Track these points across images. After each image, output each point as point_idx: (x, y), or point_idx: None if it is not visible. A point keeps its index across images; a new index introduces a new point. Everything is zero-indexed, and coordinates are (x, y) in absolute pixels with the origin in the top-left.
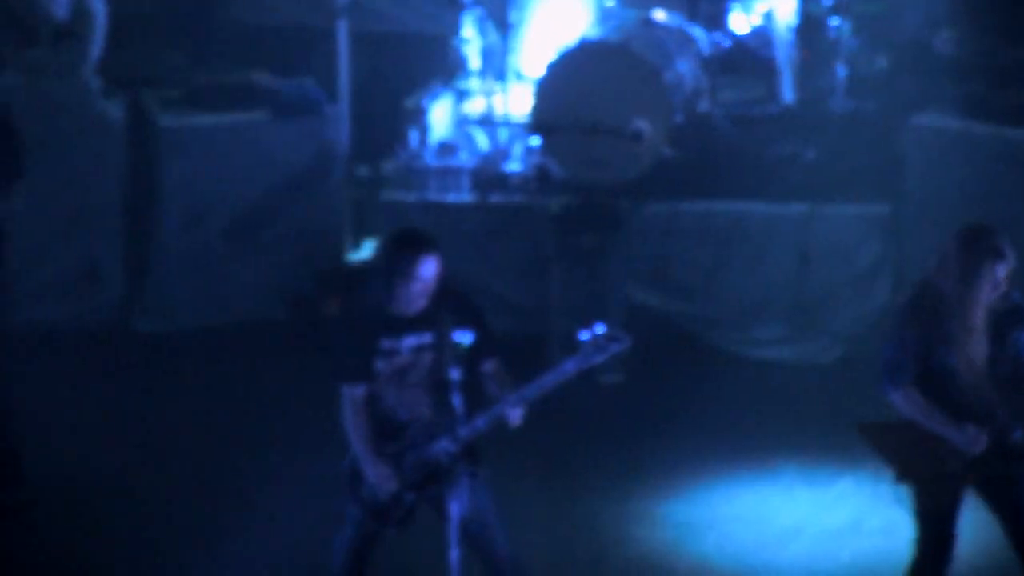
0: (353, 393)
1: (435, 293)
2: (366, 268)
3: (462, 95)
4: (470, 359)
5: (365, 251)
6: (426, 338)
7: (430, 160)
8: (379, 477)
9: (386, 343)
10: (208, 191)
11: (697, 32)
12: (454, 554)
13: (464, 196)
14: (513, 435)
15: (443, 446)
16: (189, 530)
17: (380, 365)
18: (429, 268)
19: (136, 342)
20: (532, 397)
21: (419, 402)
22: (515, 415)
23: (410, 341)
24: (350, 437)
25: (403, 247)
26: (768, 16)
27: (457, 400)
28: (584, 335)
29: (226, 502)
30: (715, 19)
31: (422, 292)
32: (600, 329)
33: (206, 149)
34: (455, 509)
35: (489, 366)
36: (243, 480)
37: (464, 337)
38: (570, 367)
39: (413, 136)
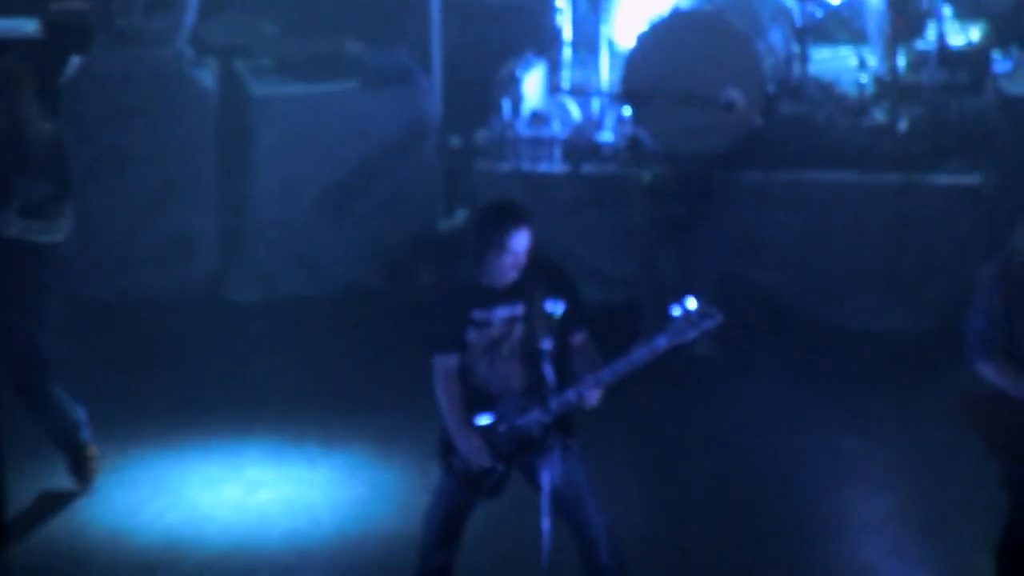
0: (445, 363)
1: (527, 264)
2: (459, 238)
3: (555, 65)
4: (561, 330)
5: (457, 220)
6: (518, 309)
7: (522, 130)
8: (470, 448)
9: (478, 314)
10: (301, 161)
11: (790, 2)
12: (546, 524)
13: (556, 166)
14: (606, 407)
15: (535, 417)
16: (297, 502)
17: (472, 336)
18: (521, 240)
19: (230, 312)
20: (615, 378)
21: (511, 373)
22: (591, 397)
23: (502, 312)
24: (442, 407)
25: (495, 219)
26: None
27: (549, 371)
28: (676, 311)
29: (320, 471)
30: None
31: (514, 264)
32: (692, 305)
33: (298, 118)
34: (547, 479)
35: (578, 339)
36: (336, 449)
37: (556, 308)
38: (661, 343)
39: (505, 106)
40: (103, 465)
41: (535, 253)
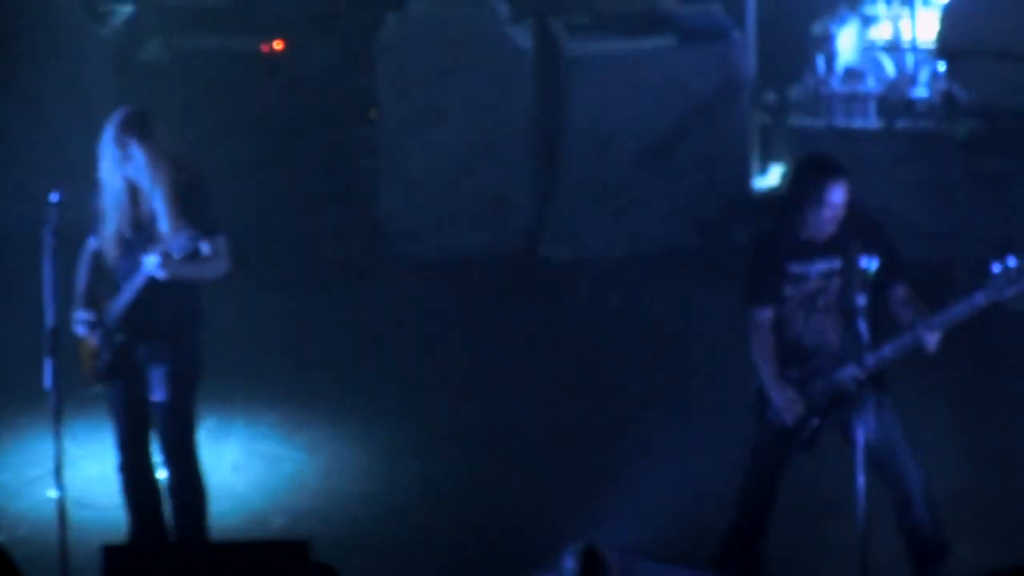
0: (761, 316)
1: (844, 219)
2: (774, 194)
3: (869, 20)
4: (876, 285)
5: (771, 177)
6: (835, 263)
7: (836, 86)
8: (785, 401)
9: (795, 268)
10: (615, 118)
11: None
12: (860, 479)
13: (870, 122)
14: (919, 363)
15: (850, 373)
16: (599, 452)
17: (789, 290)
18: (839, 194)
19: (544, 269)
20: (945, 324)
21: (826, 328)
22: (931, 340)
23: (819, 266)
24: (756, 361)
25: (814, 173)
26: None
27: (863, 327)
28: (996, 267)
29: (637, 425)
30: None
31: (832, 218)
32: (1012, 261)
33: (613, 75)
34: (861, 435)
35: (899, 292)
36: (651, 403)
37: (870, 263)
38: (980, 299)
39: (819, 62)
40: (419, 418)
41: (852, 208)
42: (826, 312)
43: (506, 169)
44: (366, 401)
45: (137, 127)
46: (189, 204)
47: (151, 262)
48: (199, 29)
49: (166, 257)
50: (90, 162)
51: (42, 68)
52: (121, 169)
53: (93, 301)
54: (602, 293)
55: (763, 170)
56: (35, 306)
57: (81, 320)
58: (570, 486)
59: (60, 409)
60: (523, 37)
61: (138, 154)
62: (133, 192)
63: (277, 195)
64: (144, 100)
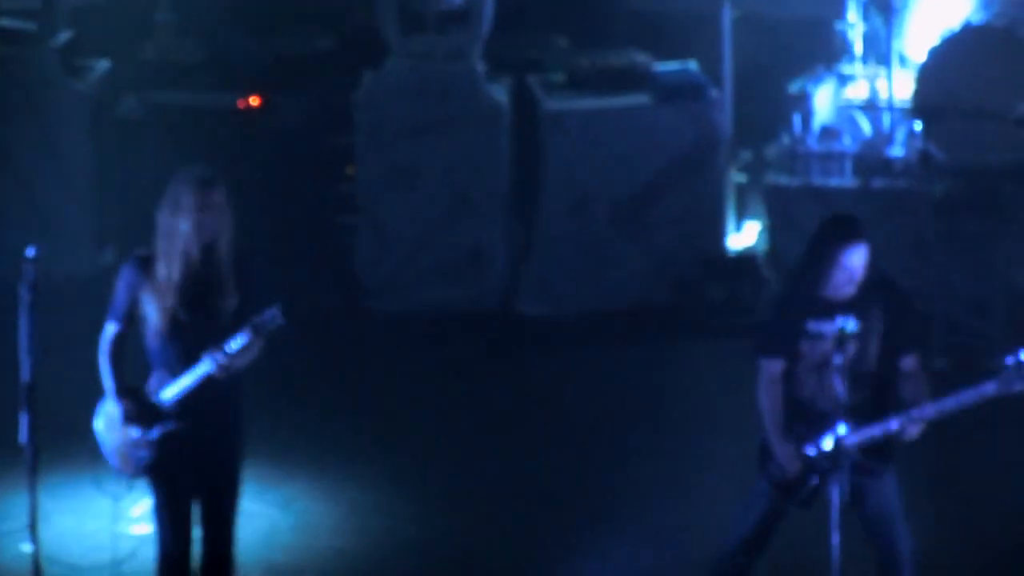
0: (771, 367)
1: (865, 281)
2: (749, 253)
3: (845, 80)
4: (892, 350)
5: (746, 235)
6: (852, 325)
7: (813, 145)
8: (785, 455)
9: (812, 326)
10: (591, 175)
11: None
12: (835, 539)
13: (846, 181)
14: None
15: (854, 438)
16: (594, 504)
17: (805, 348)
18: (857, 257)
19: (520, 325)
20: (940, 416)
21: (839, 390)
22: (911, 431)
23: (836, 326)
24: (763, 411)
25: (834, 234)
26: None
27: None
28: (1009, 360)
29: (615, 480)
30: None
31: (849, 280)
32: None
33: (590, 133)
34: (836, 494)
35: (908, 362)
36: (627, 458)
37: (846, 322)
38: (989, 389)
39: (796, 120)
40: (392, 475)
41: (874, 271)
42: (840, 374)
43: (482, 225)
44: (339, 457)
45: (218, 191)
46: (241, 281)
47: (210, 363)
48: (176, 85)
49: (226, 357)
50: (64, 217)
51: (16, 122)
52: (196, 237)
53: (128, 391)
54: (577, 349)
55: (738, 228)
56: (11, 361)
57: (120, 412)
58: (547, 540)
59: (35, 464)
60: (500, 94)
61: (215, 221)
62: (197, 263)
63: (253, 250)
64: (120, 156)
